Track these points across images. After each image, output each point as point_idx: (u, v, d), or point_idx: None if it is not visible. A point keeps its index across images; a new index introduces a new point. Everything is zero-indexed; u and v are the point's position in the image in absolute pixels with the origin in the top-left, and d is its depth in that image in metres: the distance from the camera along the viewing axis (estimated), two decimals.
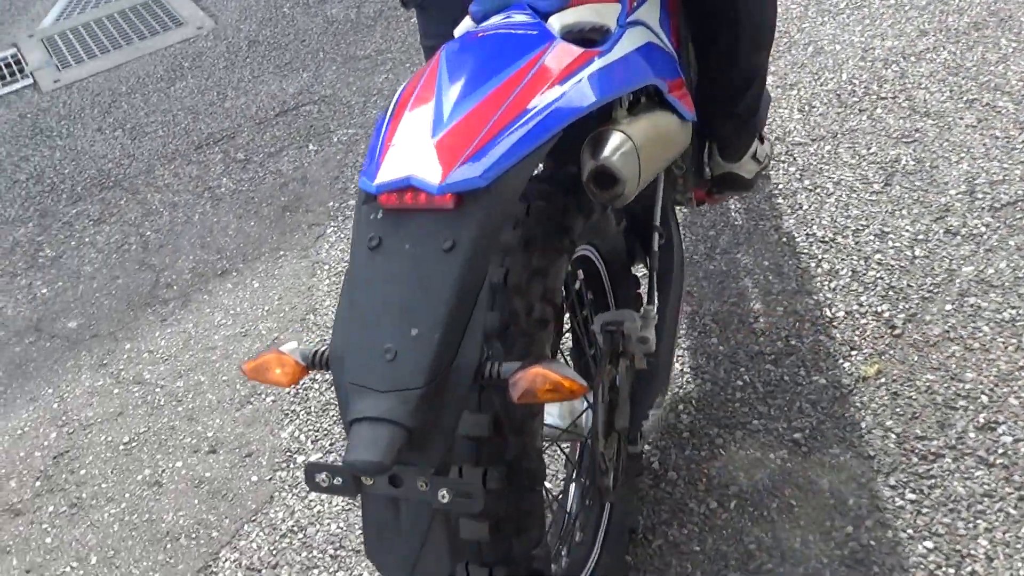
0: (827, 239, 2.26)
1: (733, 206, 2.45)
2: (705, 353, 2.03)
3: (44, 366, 2.52)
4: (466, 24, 1.21)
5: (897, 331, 1.97)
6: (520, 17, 1.13)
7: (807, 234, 2.29)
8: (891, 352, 1.92)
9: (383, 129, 0.95)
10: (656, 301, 1.44)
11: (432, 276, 0.85)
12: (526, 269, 1.11)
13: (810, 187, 2.44)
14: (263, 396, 2.20)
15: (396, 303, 0.86)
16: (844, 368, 1.92)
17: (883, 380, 1.87)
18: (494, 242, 0.88)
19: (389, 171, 0.89)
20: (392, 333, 0.84)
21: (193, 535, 1.92)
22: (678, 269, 1.54)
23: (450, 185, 0.85)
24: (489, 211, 0.87)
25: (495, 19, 1.15)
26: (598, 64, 1.08)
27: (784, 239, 2.29)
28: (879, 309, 2.03)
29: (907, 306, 2.01)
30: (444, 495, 0.85)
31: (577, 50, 1.08)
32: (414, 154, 0.90)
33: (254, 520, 1.91)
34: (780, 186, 2.48)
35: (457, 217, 0.87)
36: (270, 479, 1.98)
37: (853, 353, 1.95)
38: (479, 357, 0.86)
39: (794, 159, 2.56)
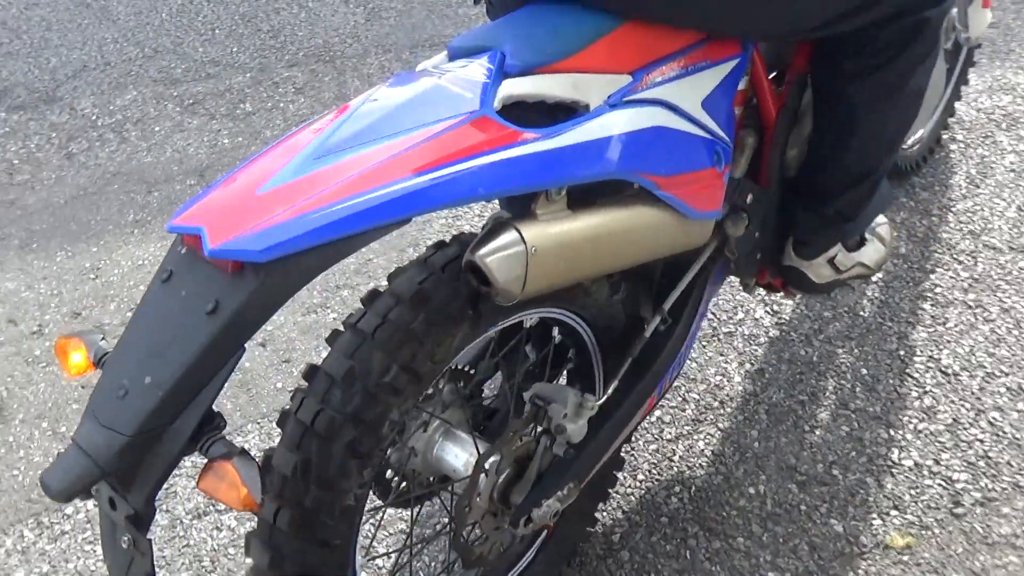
0: (950, 371, 1.92)
1: (870, 292, 2.14)
2: (736, 443, 1.83)
3: None
4: (435, 59, 1.12)
5: (960, 510, 1.66)
6: (476, 71, 1.02)
7: (930, 356, 1.96)
8: (937, 531, 1.63)
9: (238, 165, 0.92)
10: (608, 391, 1.31)
11: (187, 331, 0.84)
12: (398, 331, 1.06)
13: (971, 303, 2.07)
14: (328, 311, 2.30)
15: (149, 345, 0.85)
16: (872, 525, 1.66)
17: (907, 558, 1.60)
18: (263, 315, 0.84)
19: (191, 215, 0.86)
20: (132, 373, 0.84)
21: None
22: (662, 365, 1.38)
23: (223, 252, 0.81)
24: (265, 286, 0.83)
25: (454, 64, 1.05)
26: (522, 150, 0.96)
27: (902, 352, 1.98)
28: (955, 476, 1.72)
29: (990, 486, 1.68)
30: (125, 541, 0.86)
31: (502, 128, 0.96)
32: (226, 204, 0.87)
33: (258, 423, 2.04)
34: (939, 291, 2.12)
35: (230, 282, 0.84)
36: (291, 392, 2.09)
37: (893, 513, 1.67)
38: (210, 422, 0.84)
39: (974, 263, 2.17)
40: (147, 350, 0.85)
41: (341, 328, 1.11)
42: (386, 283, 1.13)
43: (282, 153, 0.91)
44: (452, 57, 1.10)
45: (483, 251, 0.97)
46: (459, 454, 1.32)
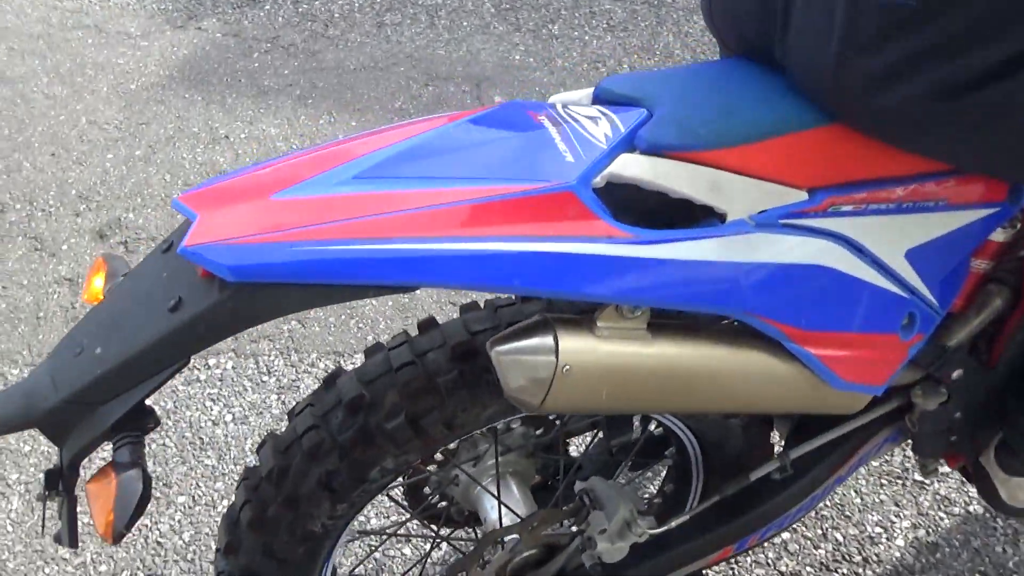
0: None
1: None
2: None
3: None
4: (577, 95, 0.91)
5: None
6: (601, 129, 0.81)
7: None
8: None
9: (281, 156, 0.80)
10: (673, 522, 1.09)
11: (145, 318, 0.76)
12: (421, 378, 0.93)
13: None
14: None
15: (117, 313, 0.79)
16: None
17: None
18: (217, 334, 0.74)
19: (198, 196, 0.76)
20: (92, 335, 0.79)
21: None
22: (757, 521, 1.13)
23: (192, 254, 0.71)
24: (225, 307, 0.72)
25: (587, 110, 0.85)
26: (601, 248, 0.75)
27: None
28: None
29: None
30: (40, 493, 0.82)
31: (586, 213, 0.76)
32: (234, 198, 0.76)
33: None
34: None
35: (197, 286, 0.74)
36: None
37: None
38: (137, 418, 0.77)
39: None
40: (114, 318, 0.79)
41: (389, 342, 1.00)
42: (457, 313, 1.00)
43: (328, 158, 0.79)
44: (596, 99, 0.90)
45: (503, 347, 0.80)
46: (496, 507, 1.19)
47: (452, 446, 1.21)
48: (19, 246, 2.37)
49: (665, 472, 1.35)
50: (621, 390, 0.83)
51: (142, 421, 0.79)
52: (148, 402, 0.80)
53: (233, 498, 1.01)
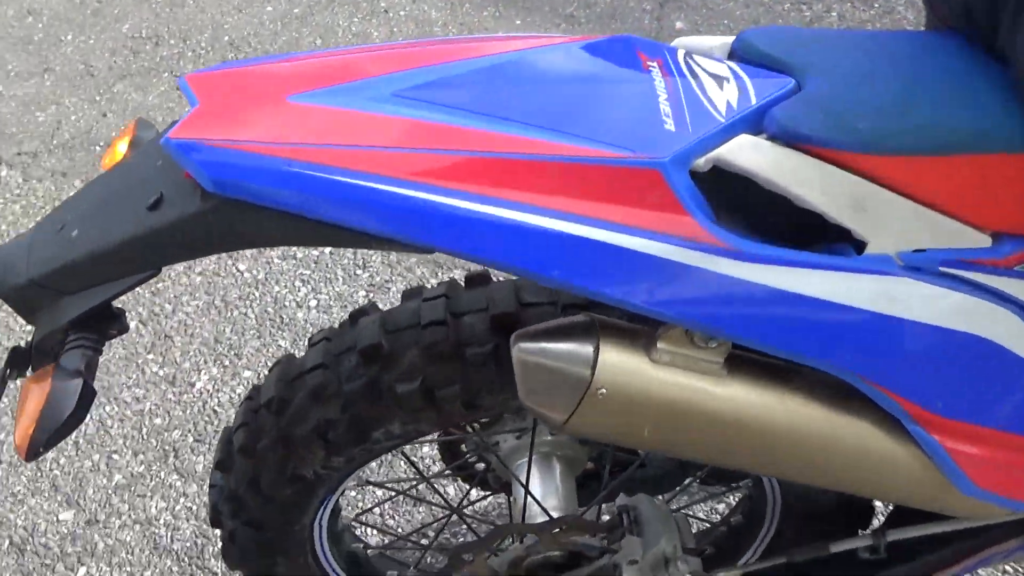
0: None
1: None
2: None
3: None
4: (713, 42, 0.69)
5: None
6: (726, 95, 0.60)
7: None
8: None
9: (321, 50, 0.64)
10: (714, 575, 0.91)
11: (126, 209, 0.64)
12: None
13: None
14: None
15: (107, 195, 0.67)
16: None
17: None
18: (189, 251, 0.61)
19: (205, 80, 0.62)
20: (77, 214, 0.68)
21: None
22: None
23: (174, 148, 0.58)
24: (200, 219, 0.59)
25: (718, 67, 0.63)
26: (683, 254, 0.56)
27: None
28: None
29: None
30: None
31: (671, 203, 0.56)
32: (244, 90, 0.61)
33: None
34: None
35: (178, 187, 0.60)
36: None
37: None
38: (96, 321, 0.66)
39: None
40: (102, 199, 0.68)
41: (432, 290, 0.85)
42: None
43: (367, 62, 0.63)
44: (733, 52, 0.68)
45: (528, 346, 0.63)
46: (533, 487, 1.05)
47: None
48: (163, 82, 2.36)
49: (737, 501, 1.17)
50: (671, 432, 0.65)
51: (105, 325, 0.68)
52: (118, 304, 0.69)
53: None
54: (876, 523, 0.97)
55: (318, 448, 0.84)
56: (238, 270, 1.98)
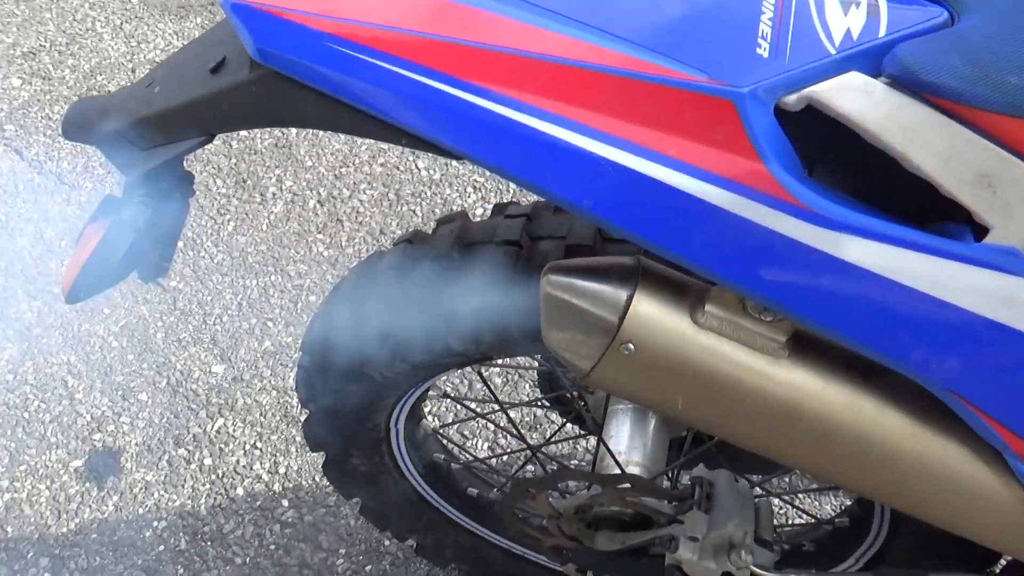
0: None
1: None
2: None
3: None
4: None
5: None
6: (852, 17, 0.48)
7: None
8: None
9: None
10: (784, 573, 0.82)
11: (198, 70, 0.63)
12: None
13: None
14: None
15: (196, 52, 0.67)
16: None
17: None
18: (240, 121, 0.59)
19: None
20: (167, 71, 0.68)
21: None
22: None
23: (231, 7, 0.55)
24: (247, 88, 0.56)
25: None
26: (751, 211, 0.46)
27: None
28: None
29: None
30: None
31: (742, 144, 0.47)
32: None
33: None
34: None
35: (238, 51, 0.58)
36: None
37: None
38: (163, 177, 0.66)
39: None
40: (187, 58, 0.67)
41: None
42: None
43: None
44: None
45: (557, 279, 0.55)
46: (620, 437, 0.99)
47: None
48: None
49: (849, 504, 1.04)
50: (709, 407, 0.57)
51: (169, 184, 0.68)
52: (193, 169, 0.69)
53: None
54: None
55: (383, 349, 0.82)
56: (417, 167, 2.00)
